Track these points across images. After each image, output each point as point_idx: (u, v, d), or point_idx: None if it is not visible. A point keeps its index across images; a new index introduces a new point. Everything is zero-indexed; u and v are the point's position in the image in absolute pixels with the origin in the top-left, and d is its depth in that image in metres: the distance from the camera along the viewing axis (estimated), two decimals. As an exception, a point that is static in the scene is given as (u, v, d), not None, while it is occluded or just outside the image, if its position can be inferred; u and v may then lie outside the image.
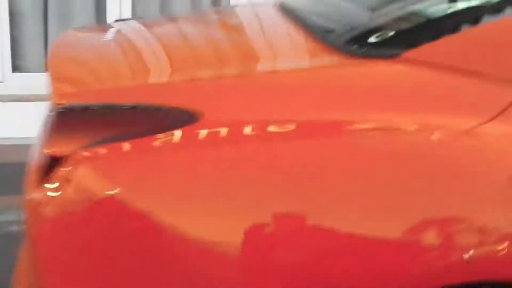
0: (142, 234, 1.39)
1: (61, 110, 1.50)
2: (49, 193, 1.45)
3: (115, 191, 1.40)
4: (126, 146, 1.42)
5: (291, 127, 1.42)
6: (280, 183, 1.38)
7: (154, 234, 1.39)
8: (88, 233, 1.42)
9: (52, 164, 1.47)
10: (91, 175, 1.42)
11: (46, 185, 1.46)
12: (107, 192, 1.40)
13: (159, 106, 1.46)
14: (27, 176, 1.66)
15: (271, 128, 1.42)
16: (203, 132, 1.41)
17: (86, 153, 1.43)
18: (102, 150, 1.42)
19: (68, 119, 1.49)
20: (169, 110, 1.45)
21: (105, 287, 1.43)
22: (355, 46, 1.59)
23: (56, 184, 1.44)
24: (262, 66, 1.63)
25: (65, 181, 1.43)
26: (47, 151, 1.47)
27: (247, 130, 1.42)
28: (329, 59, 1.58)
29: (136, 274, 1.40)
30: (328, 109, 1.44)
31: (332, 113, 1.43)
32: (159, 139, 1.41)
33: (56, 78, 1.68)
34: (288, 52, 1.68)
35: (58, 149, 1.46)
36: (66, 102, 1.51)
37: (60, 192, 1.43)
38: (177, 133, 1.41)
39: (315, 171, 1.40)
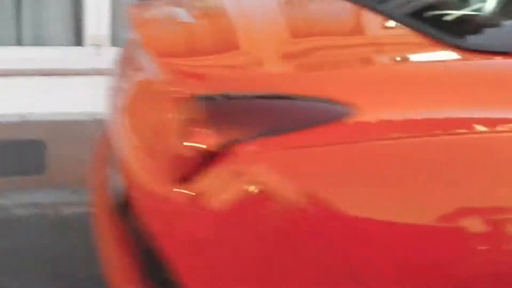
0: (321, 228, 1.39)
1: (209, 101, 1.47)
2: (208, 189, 1.43)
3: (285, 183, 1.39)
4: (289, 138, 1.41)
5: (448, 124, 1.44)
6: (440, 180, 1.41)
7: (335, 227, 1.39)
8: (256, 227, 1.41)
9: (201, 158, 1.45)
10: (258, 168, 1.40)
11: (202, 180, 1.43)
12: (276, 185, 1.39)
13: (312, 97, 1.46)
14: (146, 170, 1.61)
15: (428, 125, 1.44)
16: (364, 126, 1.43)
17: (250, 146, 1.41)
18: (267, 143, 1.41)
19: (216, 110, 1.46)
20: (322, 102, 1.45)
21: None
22: (472, 41, 1.65)
23: (214, 179, 1.42)
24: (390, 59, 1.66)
25: (228, 175, 1.41)
26: (201, 144, 1.44)
27: (407, 123, 1.44)
28: (448, 54, 1.62)
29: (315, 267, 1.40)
30: (462, 106, 1.48)
31: (467, 111, 1.47)
32: (322, 132, 1.41)
33: (178, 66, 1.64)
34: (404, 47, 1.72)
35: (213, 142, 1.43)
36: (212, 92, 1.48)
37: (221, 187, 1.42)
38: (338, 127, 1.41)
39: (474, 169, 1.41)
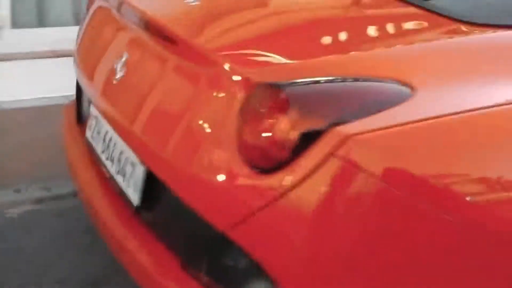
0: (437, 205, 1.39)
1: (292, 87, 1.44)
2: (303, 178, 1.37)
3: (390, 163, 1.39)
4: (374, 120, 1.39)
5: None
6: None
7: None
8: (363, 215, 1.38)
9: (290, 146, 1.40)
10: (360, 149, 1.37)
11: (294, 169, 1.38)
12: (382, 166, 1.38)
13: (376, 79, 1.46)
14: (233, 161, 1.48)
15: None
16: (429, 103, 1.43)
17: (345, 129, 1.37)
18: (360, 125, 1.38)
19: (301, 96, 1.43)
20: (390, 83, 1.45)
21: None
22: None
23: (310, 166, 1.37)
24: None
25: (325, 160, 1.36)
26: (288, 132, 1.40)
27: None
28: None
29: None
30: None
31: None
32: (399, 112, 1.41)
33: (242, 55, 1.59)
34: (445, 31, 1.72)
35: (301, 129, 1.39)
36: (289, 79, 1.45)
37: (319, 175, 1.37)
38: (409, 105, 1.41)
39: None
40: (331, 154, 1.37)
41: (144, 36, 1.87)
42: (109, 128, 1.98)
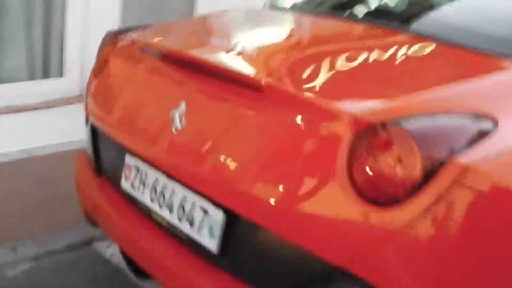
0: None
1: (411, 123, 1.54)
2: (428, 211, 1.47)
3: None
4: (483, 149, 1.52)
5: None
6: None
7: None
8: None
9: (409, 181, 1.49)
10: (481, 177, 1.48)
11: (417, 203, 1.48)
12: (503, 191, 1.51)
13: (467, 112, 1.60)
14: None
15: None
16: None
17: (465, 159, 1.48)
18: (475, 155, 1.50)
19: (418, 133, 1.53)
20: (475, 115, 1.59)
21: None
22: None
23: (439, 195, 1.47)
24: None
25: (451, 193, 1.47)
26: (416, 165, 1.49)
27: None
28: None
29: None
30: None
31: None
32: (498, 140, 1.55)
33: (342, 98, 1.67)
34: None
35: (426, 162, 1.49)
36: (401, 116, 1.55)
37: (449, 202, 1.47)
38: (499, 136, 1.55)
39: None
40: (455, 185, 1.48)
41: (210, 84, 1.89)
42: (162, 176, 1.99)
